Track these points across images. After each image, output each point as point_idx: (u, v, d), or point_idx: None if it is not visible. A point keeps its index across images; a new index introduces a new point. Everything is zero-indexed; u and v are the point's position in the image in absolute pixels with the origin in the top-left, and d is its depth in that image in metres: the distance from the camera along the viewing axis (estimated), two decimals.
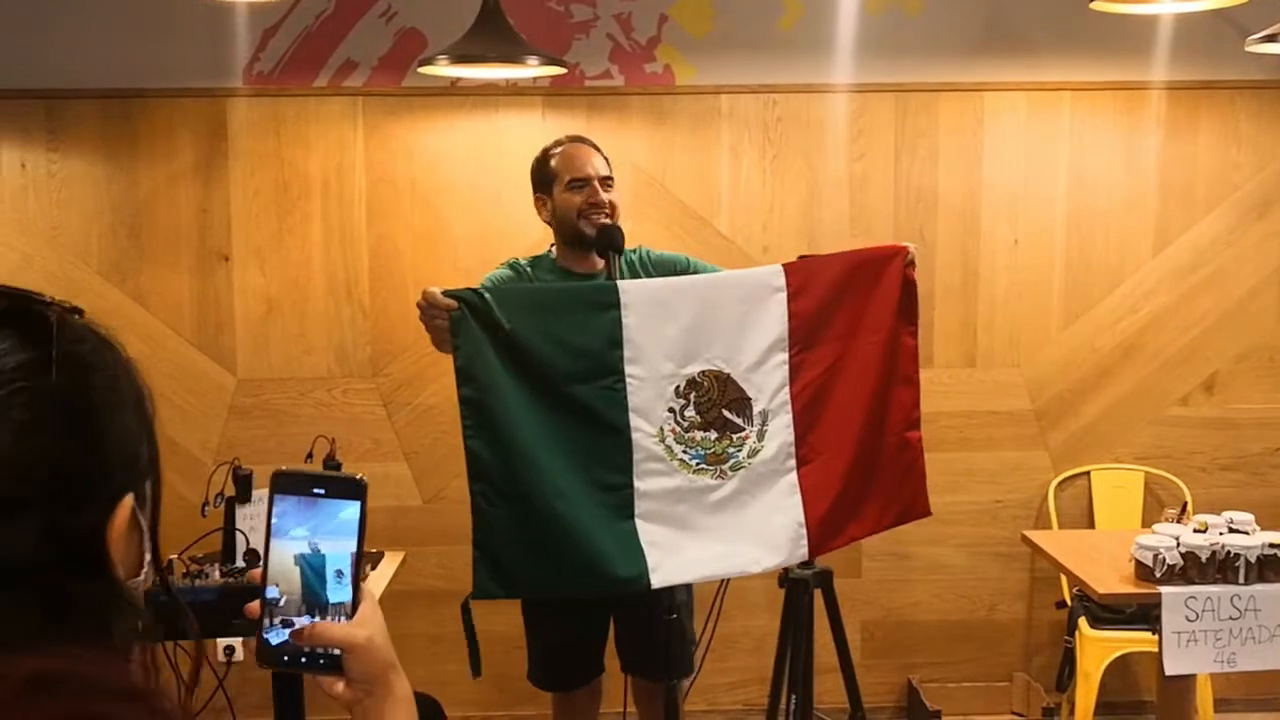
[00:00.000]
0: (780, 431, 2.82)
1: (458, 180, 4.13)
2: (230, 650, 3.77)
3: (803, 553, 2.84)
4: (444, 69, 3.33)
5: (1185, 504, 3.92)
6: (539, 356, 2.67)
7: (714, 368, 2.77)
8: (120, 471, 0.95)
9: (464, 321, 2.61)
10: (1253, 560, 2.94)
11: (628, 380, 2.71)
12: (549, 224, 3.14)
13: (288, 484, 1.09)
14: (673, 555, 2.72)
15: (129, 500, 0.94)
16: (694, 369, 2.76)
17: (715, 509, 2.78)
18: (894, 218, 4.18)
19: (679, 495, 2.75)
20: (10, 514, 0.87)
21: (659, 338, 2.73)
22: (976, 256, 4.22)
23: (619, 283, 2.79)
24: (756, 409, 2.81)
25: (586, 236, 3.02)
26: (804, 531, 2.81)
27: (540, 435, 2.65)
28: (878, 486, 2.93)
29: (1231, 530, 3.02)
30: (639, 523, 2.72)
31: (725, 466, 2.79)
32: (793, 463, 2.83)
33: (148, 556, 0.98)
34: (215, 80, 4.04)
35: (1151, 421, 4.29)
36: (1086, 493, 4.29)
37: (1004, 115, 4.18)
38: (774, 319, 2.80)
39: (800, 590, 3.02)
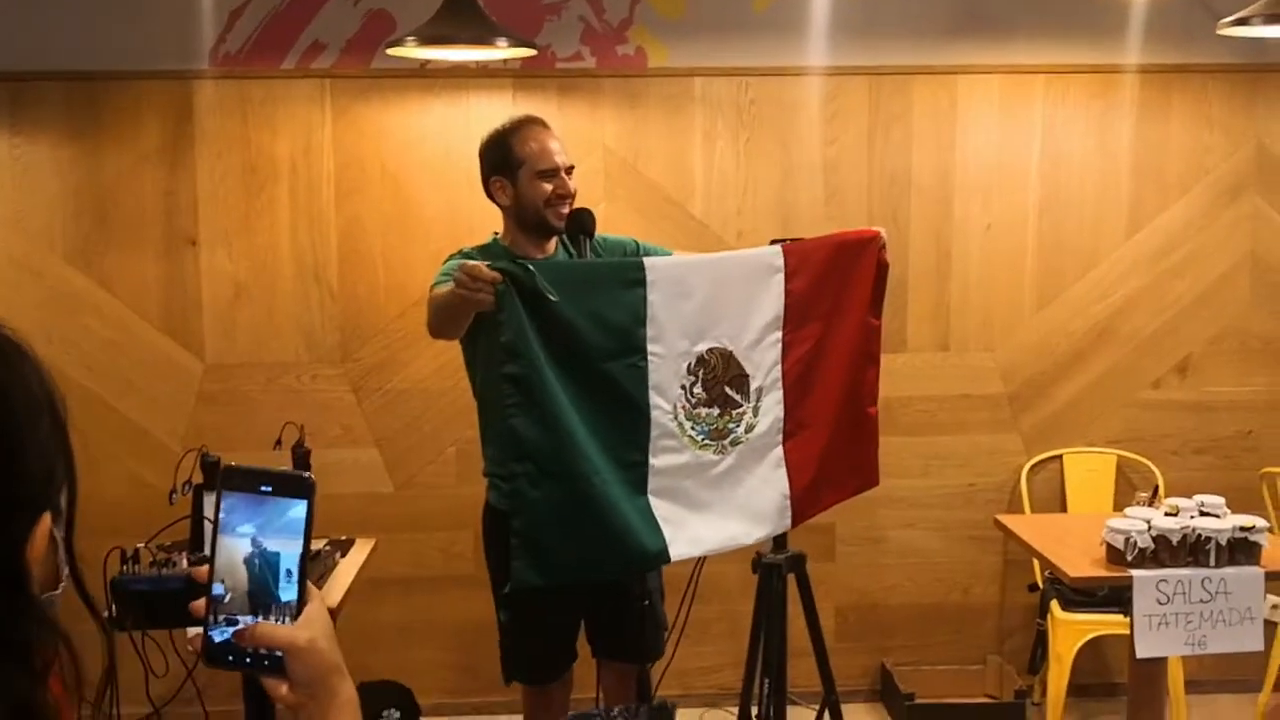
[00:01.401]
0: (773, 407, 2.90)
1: (427, 163, 4.09)
2: None
3: (787, 522, 2.94)
4: (413, 50, 3.29)
5: (1157, 487, 3.93)
6: (579, 332, 2.65)
7: (720, 345, 2.82)
8: (38, 490, 0.93)
9: (509, 295, 2.55)
10: (1223, 543, 2.95)
11: (649, 358, 2.73)
12: (505, 207, 3.08)
13: (236, 480, 1.08)
14: (682, 529, 2.76)
15: (47, 519, 0.94)
16: (703, 346, 2.80)
17: (714, 484, 2.84)
18: (867, 201, 4.17)
19: (686, 471, 2.80)
20: None
21: (678, 315, 2.76)
22: (950, 240, 4.21)
23: (645, 260, 2.80)
24: (753, 385, 2.87)
25: (553, 225, 3.00)
26: (788, 503, 2.92)
27: (574, 412, 2.64)
28: (847, 458, 3.02)
29: (1203, 513, 3.03)
30: (651, 499, 2.75)
31: (725, 442, 2.85)
32: (780, 437, 2.91)
33: (65, 570, 0.97)
34: (181, 62, 3.98)
35: (1124, 405, 4.30)
36: (1059, 476, 4.29)
37: (977, 98, 4.17)
38: (772, 298, 2.86)
39: (774, 574, 3.03)
